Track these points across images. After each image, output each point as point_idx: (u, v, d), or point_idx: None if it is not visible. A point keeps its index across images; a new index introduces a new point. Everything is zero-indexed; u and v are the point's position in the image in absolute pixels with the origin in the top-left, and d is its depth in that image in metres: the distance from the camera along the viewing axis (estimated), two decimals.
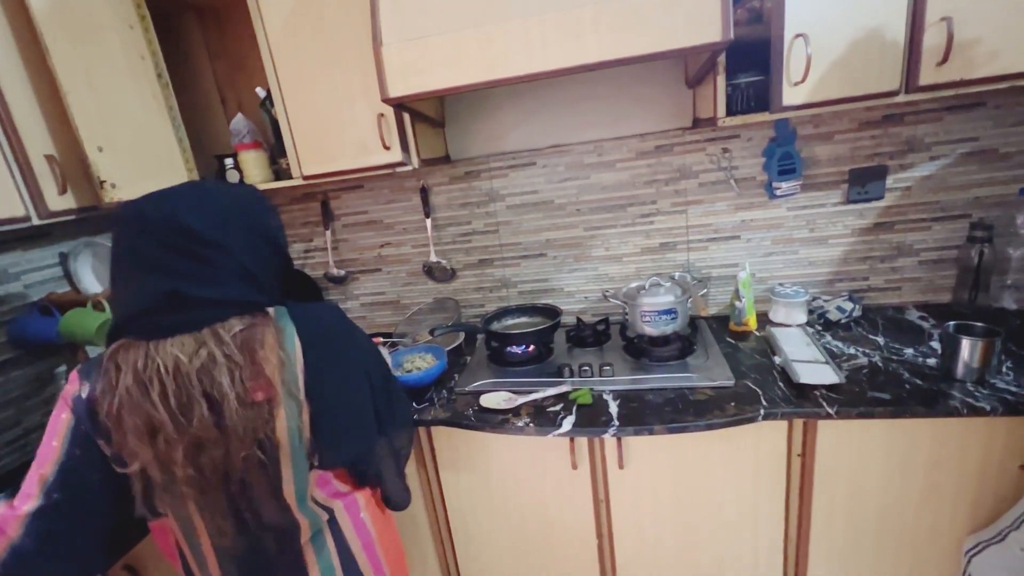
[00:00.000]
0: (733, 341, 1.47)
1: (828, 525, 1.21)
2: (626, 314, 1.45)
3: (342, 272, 1.85)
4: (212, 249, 0.69)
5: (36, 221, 1.17)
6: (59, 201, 1.20)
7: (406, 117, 1.36)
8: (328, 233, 1.80)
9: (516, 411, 1.26)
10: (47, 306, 1.37)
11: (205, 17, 1.66)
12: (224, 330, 0.69)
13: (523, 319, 1.66)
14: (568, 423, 1.18)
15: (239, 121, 1.57)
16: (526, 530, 1.39)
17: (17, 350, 1.37)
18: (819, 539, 1.22)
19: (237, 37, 1.66)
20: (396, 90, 1.17)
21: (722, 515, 1.25)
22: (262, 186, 1.52)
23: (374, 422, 0.84)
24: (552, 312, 1.59)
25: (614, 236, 1.66)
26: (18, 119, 1.13)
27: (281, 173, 1.56)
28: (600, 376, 1.36)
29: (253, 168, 1.52)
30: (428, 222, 1.72)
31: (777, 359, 1.30)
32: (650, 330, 1.39)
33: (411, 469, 1.39)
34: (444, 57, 1.12)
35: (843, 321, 1.47)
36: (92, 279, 1.49)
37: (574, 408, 1.24)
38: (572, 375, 1.39)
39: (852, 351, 1.32)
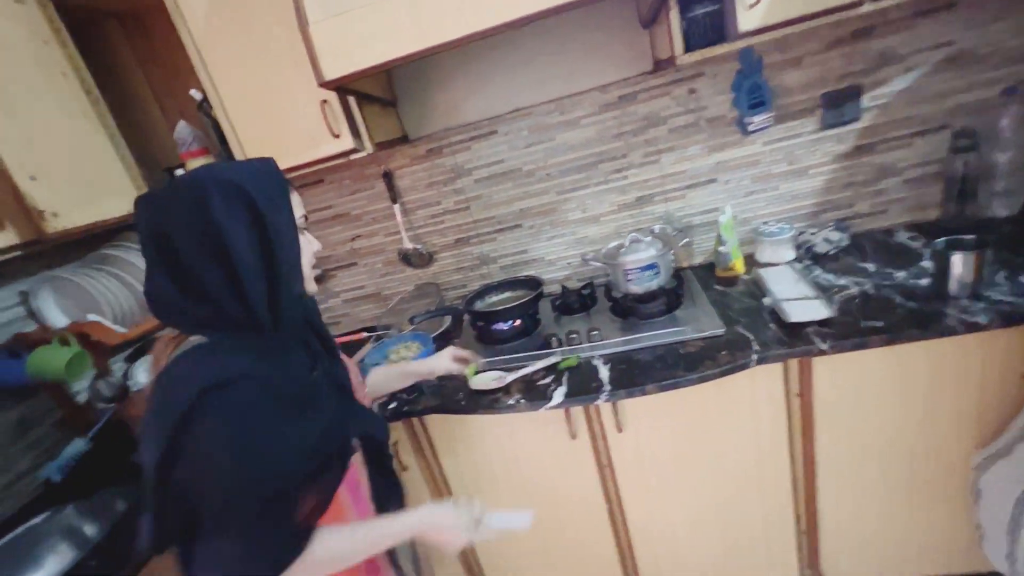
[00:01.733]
0: (721, 288, 1.43)
1: (834, 461, 1.19)
2: (609, 276, 1.41)
3: (318, 271, 1.80)
4: None
5: None
6: (1, 238, 1.14)
7: (351, 100, 1.29)
8: None
9: (507, 389, 1.23)
10: (14, 348, 1.32)
11: (127, 24, 1.56)
12: None
13: (507, 294, 1.62)
14: (559, 395, 1.15)
15: (182, 129, 1.50)
16: (534, 505, 1.37)
17: None
18: (826, 476, 1.21)
19: (166, 41, 1.55)
20: (331, 72, 1.10)
21: (727, 464, 1.24)
22: None
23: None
24: (534, 283, 1.55)
25: (588, 197, 1.60)
26: None
27: None
28: (589, 342, 1.32)
29: None
30: (396, 208, 1.66)
31: (767, 300, 1.26)
32: (634, 288, 1.35)
33: (410, 459, 1.37)
34: (374, 29, 1.05)
35: (831, 252, 1.42)
36: (58, 314, 1.44)
37: (564, 378, 1.21)
38: (561, 344, 1.35)
39: (842, 282, 1.28)
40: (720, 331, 1.21)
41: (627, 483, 1.30)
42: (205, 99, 1.37)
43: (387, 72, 1.50)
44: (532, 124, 1.54)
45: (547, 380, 1.22)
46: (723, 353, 1.13)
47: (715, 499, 1.28)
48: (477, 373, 1.25)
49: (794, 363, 1.12)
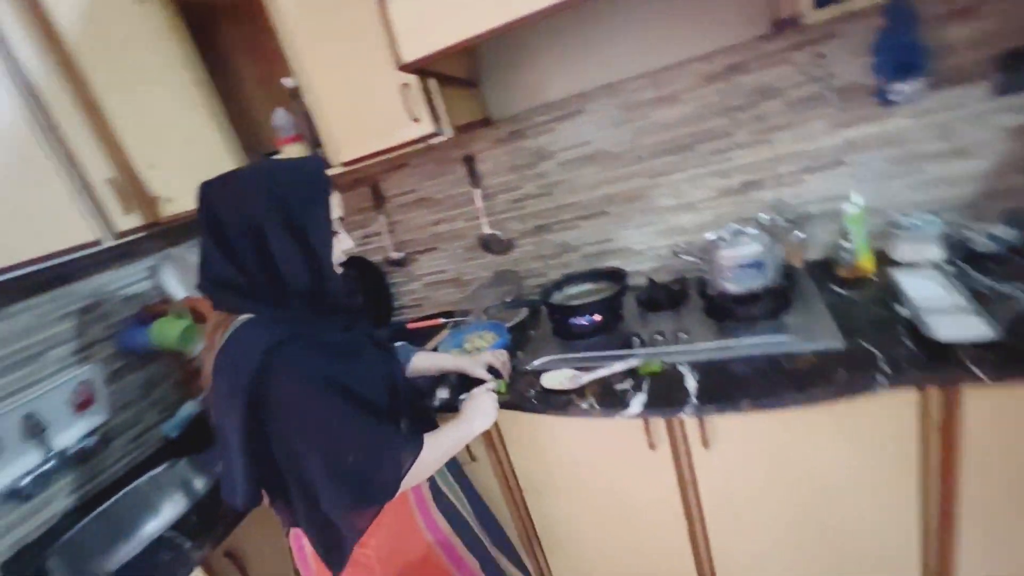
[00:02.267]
0: (841, 291, 1.22)
1: (981, 510, 0.97)
2: (704, 271, 1.26)
3: (401, 254, 1.83)
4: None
5: (109, 243, 1.24)
6: (125, 221, 1.27)
7: (432, 83, 1.25)
8: (382, 217, 1.78)
9: (580, 391, 1.15)
10: (142, 317, 1.49)
11: (237, 15, 1.64)
12: None
13: (587, 286, 1.52)
14: (638, 403, 1.05)
15: (280, 116, 1.56)
16: (608, 512, 1.30)
17: (127, 358, 1.53)
18: (971, 527, 0.99)
19: (270, 31, 1.63)
20: (410, 53, 1.07)
21: (835, 499, 1.06)
22: None
23: (241, 457, 0.79)
24: (618, 276, 1.43)
25: (683, 181, 1.44)
26: (76, 149, 1.19)
27: None
28: (675, 344, 1.20)
29: None
30: (477, 192, 1.62)
31: (903, 310, 1.04)
32: (733, 287, 1.19)
33: (480, 451, 1.35)
34: (453, 4, 0.98)
35: (997, 253, 1.14)
36: (177, 287, 1.60)
37: (644, 384, 1.10)
38: (644, 345, 1.24)
39: (1011, 292, 1.02)
40: (838, 344, 1.02)
41: (712, 504, 1.17)
42: (297, 87, 1.41)
43: (470, 52, 1.45)
44: (622, 101, 1.40)
45: (625, 385, 1.12)
46: (840, 371, 0.95)
47: (818, 538, 1.11)
48: (508, 387, 1.22)
49: (936, 391, 0.92)
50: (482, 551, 1.08)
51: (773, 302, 1.19)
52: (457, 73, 1.36)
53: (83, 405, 1.39)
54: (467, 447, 1.33)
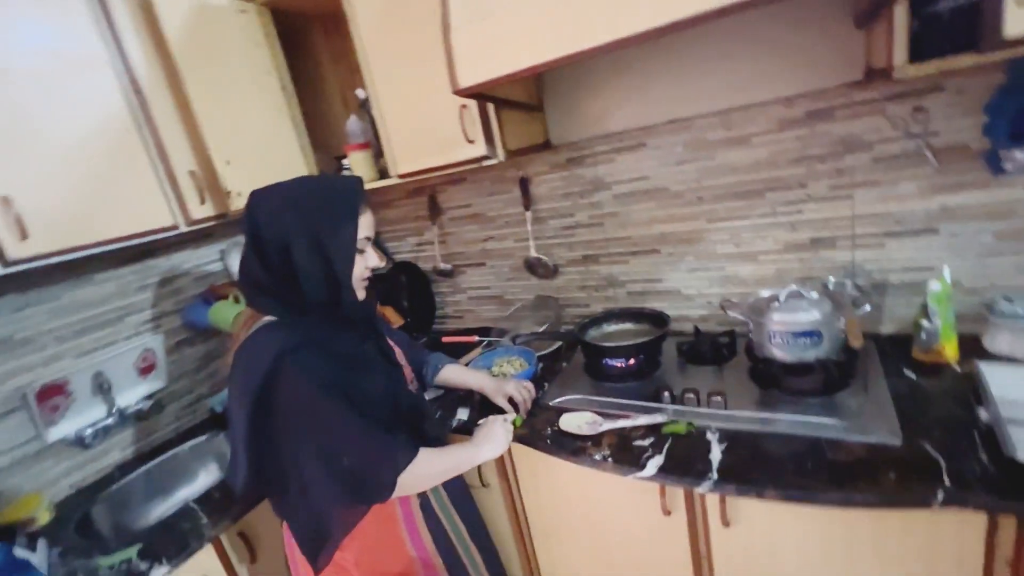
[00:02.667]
0: (914, 376, 1.07)
1: None
2: (751, 331, 1.16)
3: (449, 266, 1.85)
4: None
5: (183, 229, 1.36)
6: (200, 210, 1.38)
7: (489, 107, 1.25)
8: (435, 227, 1.81)
9: (597, 439, 1.10)
10: (207, 297, 1.62)
11: (327, 26, 1.76)
12: None
13: (627, 325, 1.46)
14: (653, 465, 0.98)
15: (353, 122, 1.64)
16: (614, 569, 1.23)
17: (189, 332, 1.66)
18: None
19: (353, 44, 1.72)
20: (466, 79, 1.07)
21: None
22: (369, 184, 1.56)
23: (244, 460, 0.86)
24: (660, 320, 1.36)
25: (746, 229, 1.34)
26: (166, 141, 1.31)
27: (384, 172, 1.59)
28: (707, 407, 1.11)
29: (360, 168, 1.57)
30: (528, 215, 1.60)
31: (983, 412, 0.90)
32: (781, 354, 1.08)
33: (492, 478, 1.33)
34: (514, 35, 0.98)
35: None
36: None
37: (666, 445, 1.03)
38: (673, 401, 1.16)
39: None
40: (895, 440, 0.89)
41: None
42: (367, 98, 1.46)
43: (536, 76, 1.43)
44: (689, 139, 1.33)
45: (645, 442, 1.05)
46: (892, 474, 0.83)
47: None
48: (522, 423, 1.19)
49: (1009, 522, 0.77)
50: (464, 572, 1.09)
51: (827, 378, 1.07)
52: (518, 98, 1.35)
53: (146, 370, 1.53)
54: (479, 473, 1.31)
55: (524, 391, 1.22)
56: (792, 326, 1.05)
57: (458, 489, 1.14)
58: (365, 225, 0.89)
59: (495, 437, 1.02)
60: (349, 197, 0.88)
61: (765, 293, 1.19)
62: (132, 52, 1.25)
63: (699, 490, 0.93)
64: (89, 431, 1.39)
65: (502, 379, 1.26)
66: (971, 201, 1.09)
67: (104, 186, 1.21)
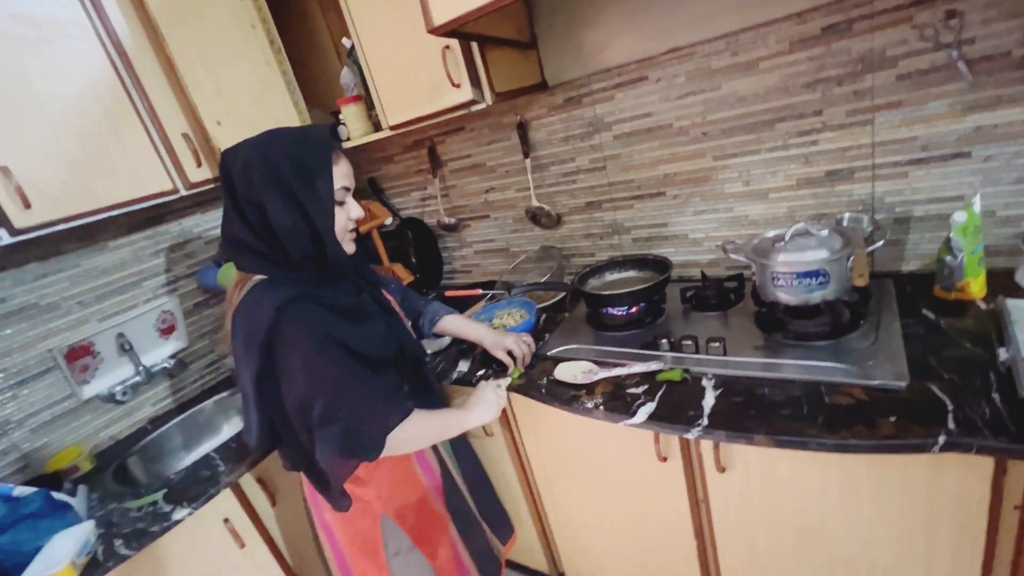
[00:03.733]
0: (933, 316, 0.99)
1: None
2: (756, 274, 1.09)
3: (453, 220, 1.83)
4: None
5: (183, 192, 1.38)
6: (197, 173, 1.39)
7: (473, 47, 1.18)
8: (437, 181, 1.78)
9: (591, 388, 1.08)
10: (216, 259, 1.66)
11: None
12: None
13: (630, 273, 1.41)
14: (644, 413, 0.97)
15: (346, 75, 1.59)
16: (617, 511, 1.24)
17: (206, 294, 1.72)
18: None
19: None
20: (440, 15, 1.01)
21: (871, 555, 0.91)
22: (362, 139, 1.53)
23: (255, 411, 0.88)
24: (662, 266, 1.30)
25: (756, 165, 1.24)
26: (156, 104, 1.31)
27: (379, 125, 1.55)
28: (705, 354, 1.07)
29: (354, 122, 1.54)
30: (527, 162, 1.54)
31: (1003, 352, 0.83)
32: (785, 297, 1.02)
33: (496, 427, 1.35)
34: None
35: None
36: None
37: (659, 393, 1.00)
38: (671, 348, 1.12)
39: None
40: (900, 383, 0.84)
41: (725, 526, 1.07)
42: (353, 47, 1.41)
43: (527, 8, 1.34)
44: (692, 68, 1.22)
45: (638, 390, 1.03)
46: (891, 418, 0.78)
47: None
48: (520, 376, 1.17)
49: (1021, 465, 0.72)
50: (462, 504, 1.15)
51: (835, 320, 1.01)
52: (507, 35, 1.26)
53: (167, 331, 1.61)
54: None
55: (523, 345, 1.21)
56: (796, 266, 0.98)
57: (459, 438, 1.19)
58: (341, 175, 0.86)
59: (486, 402, 1.02)
60: (319, 148, 0.84)
61: (768, 235, 1.11)
62: (112, 12, 1.24)
63: (688, 436, 0.91)
64: (119, 388, 1.48)
65: (502, 332, 1.25)
66: (1010, 118, 0.97)
67: (101, 152, 1.23)
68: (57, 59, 1.17)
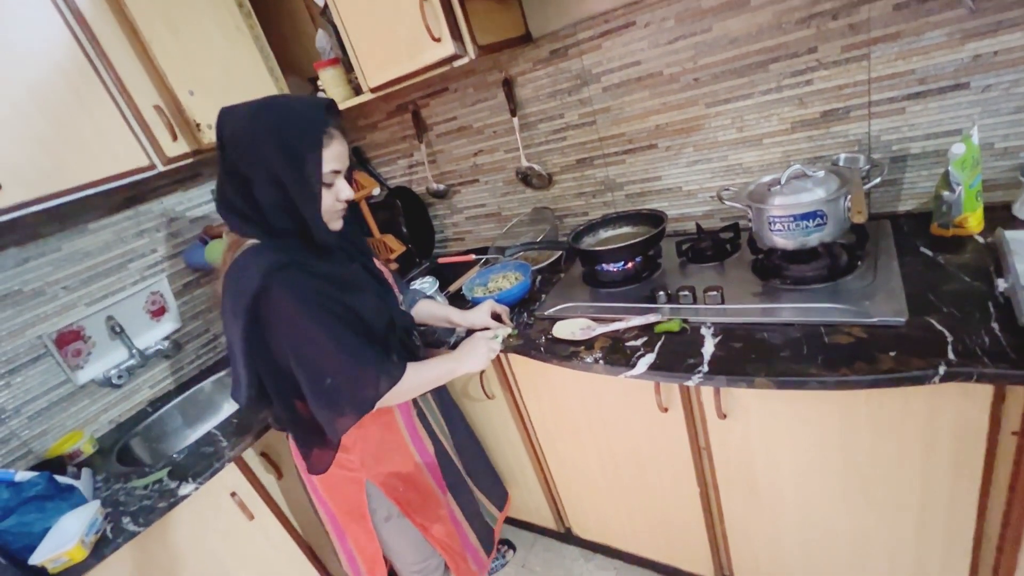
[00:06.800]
0: (931, 253, 0.99)
1: None
2: (752, 220, 1.08)
3: (442, 186, 1.79)
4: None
5: (161, 168, 1.33)
6: (173, 147, 1.34)
7: None
8: (423, 146, 1.73)
9: (590, 343, 1.08)
10: (203, 237, 1.63)
11: None
12: None
13: (625, 229, 1.39)
14: (644, 363, 0.96)
15: (321, 37, 1.53)
16: (619, 467, 1.26)
17: (196, 273, 1.69)
18: None
19: None
20: None
21: (870, 491, 0.93)
22: (343, 104, 1.47)
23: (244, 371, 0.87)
24: (657, 220, 1.28)
25: (749, 110, 1.21)
26: (124, 74, 1.25)
27: (359, 89, 1.49)
28: (702, 304, 1.06)
29: (333, 87, 1.48)
30: (515, 121, 1.49)
31: (1002, 283, 0.82)
32: (782, 241, 1.01)
33: (497, 390, 1.35)
34: None
35: None
36: None
37: (658, 344, 1.00)
38: (669, 300, 1.12)
39: None
40: (899, 319, 0.83)
41: (727, 472, 1.08)
42: (326, 5, 1.34)
43: None
44: (681, 10, 1.17)
45: (637, 342, 1.03)
46: (891, 353, 0.78)
47: (846, 525, 0.99)
48: (510, 336, 1.16)
49: (1019, 391, 0.73)
50: (457, 479, 1.19)
51: (832, 263, 1.00)
52: None
53: (157, 312, 1.58)
54: (482, 385, 1.33)
55: (496, 306, 1.21)
56: (794, 208, 0.96)
57: (446, 399, 1.23)
58: (332, 157, 0.84)
59: (477, 351, 1.03)
60: (310, 127, 0.81)
61: (764, 179, 1.09)
62: None
63: (689, 383, 0.91)
64: (115, 372, 1.47)
65: (471, 311, 1.21)
66: (1011, 43, 0.93)
67: (69, 128, 1.18)
68: (9, 29, 1.10)
